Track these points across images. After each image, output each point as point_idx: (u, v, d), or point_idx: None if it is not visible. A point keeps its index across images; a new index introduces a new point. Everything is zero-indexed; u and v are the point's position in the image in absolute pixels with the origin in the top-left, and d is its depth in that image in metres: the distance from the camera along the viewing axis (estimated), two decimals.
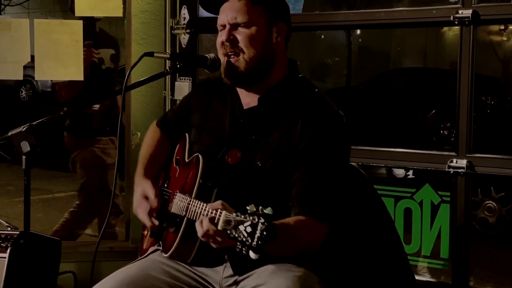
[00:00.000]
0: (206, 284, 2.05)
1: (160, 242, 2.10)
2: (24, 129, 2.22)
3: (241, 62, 1.99)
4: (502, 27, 12.69)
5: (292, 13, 2.13)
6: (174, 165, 2.20)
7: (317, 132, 1.95)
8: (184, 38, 3.51)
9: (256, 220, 1.56)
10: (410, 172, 7.45)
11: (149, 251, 2.16)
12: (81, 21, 3.49)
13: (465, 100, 2.84)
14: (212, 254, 1.99)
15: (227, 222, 1.61)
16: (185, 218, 1.95)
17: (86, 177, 4.05)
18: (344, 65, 16.37)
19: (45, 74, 3.55)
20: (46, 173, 7.90)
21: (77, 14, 3.50)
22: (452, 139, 7.02)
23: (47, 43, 3.44)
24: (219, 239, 1.71)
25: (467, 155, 2.85)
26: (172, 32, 3.52)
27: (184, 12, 3.49)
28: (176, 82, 3.52)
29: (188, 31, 3.49)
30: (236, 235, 1.58)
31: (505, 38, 13.44)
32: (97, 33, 3.92)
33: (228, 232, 1.60)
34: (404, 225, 3.08)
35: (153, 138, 2.31)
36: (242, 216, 1.59)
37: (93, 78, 3.81)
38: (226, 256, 2.01)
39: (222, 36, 2.01)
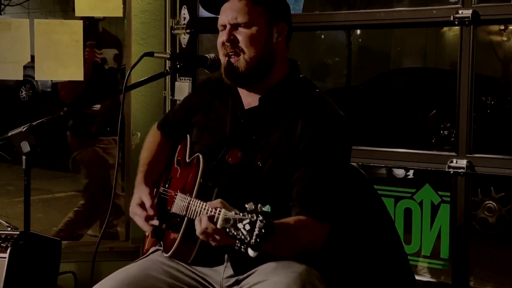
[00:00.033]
0: (207, 284, 2.05)
1: (161, 242, 2.10)
2: (24, 129, 2.22)
3: (242, 62, 1.99)
4: (502, 27, 12.69)
5: (292, 13, 2.13)
6: (175, 166, 2.20)
7: (318, 132, 1.95)
8: (184, 38, 3.51)
9: (255, 217, 1.57)
10: (410, 172, 7.45)
11: (149, 251, 2.17)
12: (81, 21, 3.49)
13: (465, 100, 2.84)
14: (213, 253, 1.99)
15: (226, 220, 1.61)
16: (186, 218, 1.95)
17: (89, 177, 4.06)
18: (344, 65, 16.38)
19: (45, 74, 3.55)
20: (46, 173, 7.91)
21: (77, 14, 3.50)
22: (452, 139, 7.02)
23: (47, 43, 3.44)
24: (217, 237, 1.71)
25: (467, 155, 2.85)
26: (172, 32, 3.52)
27: (184, 12, 3.49)
28: (176, 82, 3.52)
29: (188, 31, 3.49)
30: (235, 233, 1.58)
31: (505, 38, 13.44)
32: (100, 33, 3.92)
33: (227, 230, 1.60)
34: (404, 225, 3.08)
35: (153, 142, 2.31)
36: (241, 214, 1.60)
37: (96, 78, 3.82)
38: (226, 256, 2.01)
39: (222, 37, 2.02)
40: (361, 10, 4.21)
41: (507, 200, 5.50)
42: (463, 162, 2.85)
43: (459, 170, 2.85)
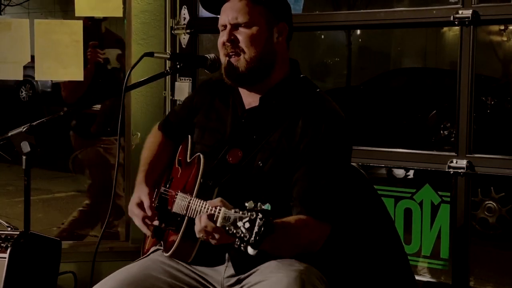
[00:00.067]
0: (207, 284, 2.05)
1: (161, 242, 2.10)
2: (24, 129, 2.22)
3: (242, 62, 2.00)
4: (502, 27, 12.69)
5: (292, 13, 2.13)
6: (177, 166, 2.20)
7: (318, 132, 1.95)
8: (184, 38, 3.51)
9: (254, 216, 1.57)
10: (410, 172, 7.45)
11: (150, 251, 2.17)
12: (81, 21, 3.49)
13: (465, 100, 2.84)
14: (213, 253, 1.99)
15: (226, 218, 1.62)
16: (186, 217, 1.96)
17: (92, 177, 4.07)
18: (344, 65, 16.37)
19: (45, 74, 3.55)
20: (46, 173, 7.91)
21: (77, 14, 3.50)
22: (452, 139, 7.02)
23: (47, 43, 3.44)
24: (217, 235, 1.71)
25: (467, 155, 2.85)
26: (172, 32, 3.52)
27: (184, 12, 3.49)
28: (176, 83, 3.52)
29: (188, 31, 3.49)
30: (235, 231, 1.59)
31: (505, 38, 13.43)
32: (103, 34, 3.92)
33: (227, 228, 1.61)
34: (404, 225, 3.08)
35: (154, 142, 2.31)
36: (241, 212, 1.60)
37: (99, 79, 3.82)
38: (227, 255, 2.02)
39: (223, 37, 2.02)
40: (361, 10, 4.21)
41: (507, 200, 5.50)
42: (463, 162, 2.85)
43: (459, 170, 2.85)
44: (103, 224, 4.00)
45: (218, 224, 1.65)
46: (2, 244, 2.46)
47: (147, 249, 2.21)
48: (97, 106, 4.08)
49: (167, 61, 3.21)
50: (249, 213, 1.58)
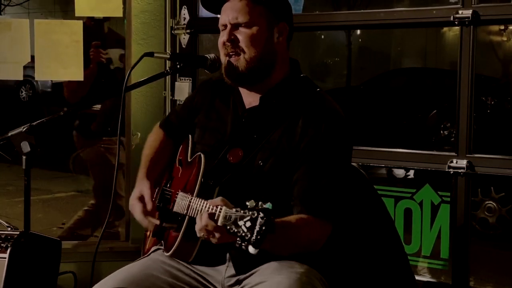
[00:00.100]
0: (208, 284, 2.05)
1: (162, 241, 2.10)
2: (24, 129, 2.22)
3: (242, 62, 2.00)
4: (502, 27, 12.68)
5: (292, 13, 2.13)
6: (177, 165, 2.20)
7: (318, 131, 1.95)
8: (184, 38, 3.51)
9: (256, 214, 1.57)
10: (410, 172, 7.44)
11: (151, 251, 2.17)
12: (81, 21, 3.49)
13: (465, 100, 2.84)
14: (214, 252, 1.99)
15: (227, 217, 1.62)
16: (187, 217, 1.96)
17: (95, 177, 4.08)
18: (344, 65, 16.37)
19: (45, 74, 3.55)
20: (46, 173, 7.91)
21: (77, 14, 3.50)
22: (452, 139, 7.02)
23: (47, 43, 3.44)
24: (218, 234, 1.71)
25: (467, 155, 2.85)
26: (172, 32, 3.52)
27: (184, 12, 3.49)
28: (176, 83, 3.52)
29: (188, 31, 3.49)
30: (236, 230, 1.59)
31: (505, 38, 13.43)
32: (106, 34, 3.92)
33: (228, 227, 1.61)
34: (404, 225, 3.08)
35: (156, 140, 2.31)
36: (242, 212, 1.60)
37: (101, 79, 3.82)
38: (228, 256, 2.02)
39: (223, 36, 2.02)
40: (361, 10, 4.21)
41: (507, 200, 5.50)
42: (463, 162, 2.85)
43: (459, 170, 2.85)
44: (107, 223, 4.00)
45: (219, 223, 1.65)
46: (2, 244, 2.46)
47: (147, 249, 2.21)
48: (99, 106, 4.09)
49: (167, 61, 3.21)
50: (250, 212, 1.58)
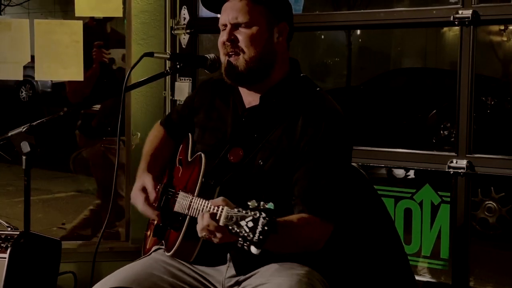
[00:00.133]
0: (208, 284, 2.05)
1: (163, 241, 2.10)
2: (24, 129, 2.22)
3: (241, 61, 2.00)
4: (502, 27, 12.69)
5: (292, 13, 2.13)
6: (177, 165, 2.20)
7: (318, 131, 1.95)
8: (184, 39, 3.51)
9: (258, 215, 1.57)
10: (410, 173, 7.44)
11: (152, 250, 2.17)
12: (81, 21, 3.50)
13: (465, 100, 2.84)
14: (215, 253, 1.99)
15: (229, 217, 1.62)
16: (188, 216, 1.96)
17: (98, 178, 4.08)
18: (344, 65, 16.37)
19: (45, 74, 3.55)
20: (46, 173, 7.90)
21: (77, 14, 3.50)
22: (452, 139, 7.02)
23: (47, 44, 3.44)
24: (219, 234, 1.71)
25: (467, 155, 2.85)
26: (172, 32, 3.52)
27: (184, 13, 3.49)
28: (176, 83, 3.52)
29: (188, 31, 3.49)
30: (238, 231, 1.59)
31: (505, 38, 13.43)
32: (108, 33, 3.92)
33: (230, 227, 1.61)
34: (404, 225, 3.08)
35: (156, 136, 2.32)
36: (244, 212, 1.60)
37: (104, 79, 3.82)
38: (228, 256, 2.02)
39: (223, 36, 2.02)
40: (361, 10, 4.21)
41: (507, 200, 5.50)
42: (463, 162, 2.85)
43: (459, 170, 2.85)
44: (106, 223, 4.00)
45: (220, 223, 1.65)
46: (2, 244, 2.46)
47: (148, 249, 2.21)
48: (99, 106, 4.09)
49: (167, 61, 3.21)
50: (252, 212, 1.58)
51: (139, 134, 3.44)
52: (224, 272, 2.03)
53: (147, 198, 2.08)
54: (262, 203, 1.60)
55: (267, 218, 1.56)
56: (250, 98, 2.08)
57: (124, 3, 3.49)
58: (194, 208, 1.92)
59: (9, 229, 2.65)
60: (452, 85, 2.97)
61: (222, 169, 2.00)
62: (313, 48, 16.08)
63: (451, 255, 2.94)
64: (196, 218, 1.82)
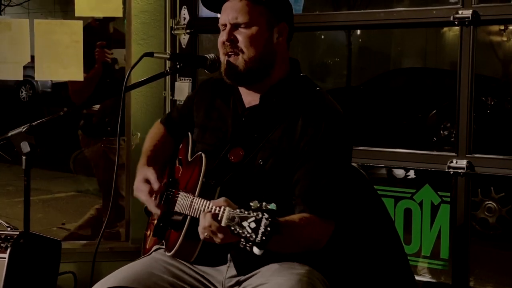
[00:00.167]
0: (209, 284, 2.05)
1: (163, 241, 2.10)
2: (24, 129, 2.22)
3: (240, 61, 2.00)
4: (502, 27, 12.68)
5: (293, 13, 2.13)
6: (177, 165, 2.20)
7: (318, 130, 1.95)
8: (184, 39, 3.51)
9: (260, 215, 1.57)
10: (410, 173, 7.44)
11: (152, 250, 2.16)
12: (81, 22, 3.50)
13: (465, 100, 2.84)
14: (216, 253, 1.99)
15: (231, 218, 1.62)
16: (189, 217, 1.96)
17: (100, 177, 4.08)
18: (344, 65, 16.37)
19: (45, 74, 3.55)
20: (46, 173, 7.90)
21: (77, 14, 3.50)
22: (452, 139, 7.02)
23: (47, 44, 3.44)
24: (221, 235, 1.71)
25: (467, 155, 2.85)
26: (172, 32, 3.52)
27: (184, 13, 3.49)
28: (176, 83, 3.52)
29: (188, 31, 3.49)
30: (240, 231, 1.58)
31: (505, 38, 13.43)
32: (111, 33, 3.92)
33: (232, 228, 1.61)
34: (404, 226, 3.08)
35: (156, 134, 2.32)
36: (246, 212, 1.60)
37: (106, 78, 3.82)
38: (229, 256, 2.02)
39: (222, 36, 2.02)
40: (361, 11, 4.21)
41: (507, 200, 5.50)
42: (463, 162, 2.84)
43: (459, 170, 2.85)
44: (107, 224, 4.00)
45: (222, 224, 1.65)
46: (2, 244, 2.46)
47: (148, 248, 2.21)
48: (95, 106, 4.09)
49: (167, 61, 3.21)
50: (254, 213, 1.58)
51: (139, 134, 3.44)
52: (224, 272, 2.03)
53: (151, 190, 2.07)
54: (264, 203, 1.59)
55: (269, 219, 1.56)
56: (250, 98, 2.08)
57: (124, 3, 3.49)
58: (195, 209, 1.92)
59: (9, 229, 2.65)
60: (452, 85, 2.97)
61: (222, 169, 2.00)
62: (313, 48, 16.07)
63: (451, 255, 2.94)
64: (197, 218, 1.82)
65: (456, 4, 2.86)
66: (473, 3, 2.79)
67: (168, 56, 2.31)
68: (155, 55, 2.18)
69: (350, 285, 2.17)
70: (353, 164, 2.19)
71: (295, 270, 1.91)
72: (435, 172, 2.94)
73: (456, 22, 2.82)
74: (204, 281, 2.05)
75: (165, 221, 2.06)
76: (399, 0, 13.71)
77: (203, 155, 2.03)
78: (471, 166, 2.84)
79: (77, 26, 3.48)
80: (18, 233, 2.53)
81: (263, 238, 1.55)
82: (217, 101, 2.16)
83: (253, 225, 1.57)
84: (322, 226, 1.92)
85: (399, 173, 7.82)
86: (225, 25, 2.02)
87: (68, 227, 5.06)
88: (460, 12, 2.80)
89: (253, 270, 1.98)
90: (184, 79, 3.51)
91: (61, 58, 3.46)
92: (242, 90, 2.10)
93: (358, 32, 15.71)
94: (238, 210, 1.62)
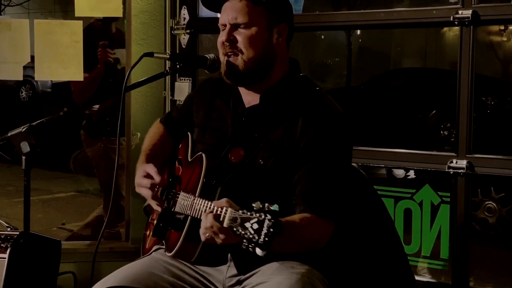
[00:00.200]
0: (209, 284, 2.05)
1: (163, 241, 2.10)
2: (24, 129, 2.22)
3: (240, 62, 2.00)
4: (502, 27, 12.68)
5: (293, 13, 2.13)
6: (177, 165, 2.20)
7: (318, 130, 1.95)
8: (184, 39, 3.51)
9: (263, 217, 1.57)
10: (410, 173, 7.44)
11: (152, 250, 2.16)
12: (81, 22, 3.50)
13: (465, 100, 2.84)
14: (216, 253, 1.99)
15: (233, 219, 1.62)
16: (189, 217, 1.95)
17: (101, 177, 4.08)
18: (344, 66, 16.36)
19: (45, 74, 3.55)
20: (46, 173, 7.90)
21: (77, 14, 3.50)
22: (452, 139, 7.02)
23: (47, 44, 3.44)
24: (222, 236, 1.71)
25: (467, 155, 2.85)
26: (172, 32, 3.52)
27: (184, 13, 3.49)
28: (176, 83, 3.52)
29: (188, 31, 3.49)
30: (242, 232, 1.58)
31: (505, 39, 13.43)
32: (113, 33, 3.92)
33: (234, 229, 1.61)
34: (404, 226, 3.08)
35: (156, 133, 2.32)
36: (248, 213, 1.60)
37: (109, 78, 3.82)
38: (229, 255, 2.02)
39: (222, 36, 2.02)
40: (361, 11, 4.21)
41: (507, 200, 5.50)
42: (463, 163, 2.84)
43: (459, 171, 2.85)
44: (108, 224, 4.00)
45: (225, 225, 1.65)
46: (2, 244, 2.46)
47: (148, 248, 2.21)
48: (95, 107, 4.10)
49: (167, 61, 3.21)
50: (257, 214, 1.58)
51: (139, 134, 3.44)
52: (224, 272, 2.03)
53: (153, 184, 2.06)
54: (267, 204, 1.59)
55: (272, 220, 1.56)
56: (249, 98, 2.08)
57: (124, 3, 3.48)
58: (197, 209, 1.92)
59: (9, 229, 2.65)
60: (452, 85, 2.97)
61: (223, 169, 2.00)
62: (313, 48, 16.08)
63: (451, 255, 2.94)
64: (198, 219, 1.82)
65: (456, 4, 2.86)
66: (473, 3, 2.79)
67: (168, 56, 2.32)
68: (155, 55, 2.18)
69: (350, 285, 2.17)
70: (353, 164, 2.18)
71: (295, 269, 1.92)
72: (435, 172, 2.94)
73: (456, 22, 2.82)
74: (205, 281, 2.05)
75: (165, 221, 2.06)
76: (399, 0, 13.71)
77: (203, 155, 2.03)
78: (471, 166, 2.84)
79: (77, 26, 3.48)
80: (18, 233, 2.53)
81: (266, 239, 1.55)
82: (217, 101, 2.16)
83: (255, 226, 1.57)
84: (323, 226, 1.92)
85: (399, 173, 7.81)
86: (224, 25, 2.02)
87: (68, 227, 5.06)
88: (460, 12, 2.80)
89: (254, 269, 1.98)
90: (184, 79, 3.51)
91: (61, 58, 3.46)
92: (242, 90, 2.10)
93: (358, 32, 15.71)
94: (240, 211, 1.62)
